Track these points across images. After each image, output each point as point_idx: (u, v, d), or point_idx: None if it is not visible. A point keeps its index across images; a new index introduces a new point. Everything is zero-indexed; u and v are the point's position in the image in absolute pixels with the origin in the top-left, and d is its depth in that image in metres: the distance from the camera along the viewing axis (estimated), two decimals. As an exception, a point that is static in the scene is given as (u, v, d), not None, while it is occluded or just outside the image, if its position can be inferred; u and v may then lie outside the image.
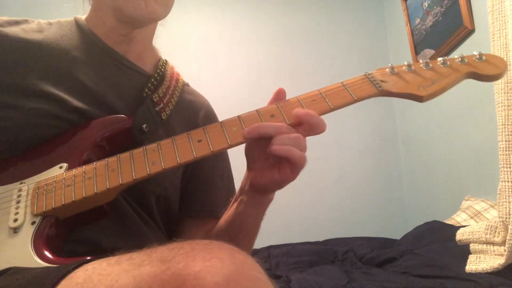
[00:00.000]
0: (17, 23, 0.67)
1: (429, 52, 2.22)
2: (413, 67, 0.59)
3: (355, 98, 0.57)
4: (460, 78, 0.58)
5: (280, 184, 0.57)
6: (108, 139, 0.62)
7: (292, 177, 0.56)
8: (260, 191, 0.61)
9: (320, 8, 2.87)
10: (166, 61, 0.79)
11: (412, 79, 0.58)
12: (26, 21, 0.68)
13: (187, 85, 0.82)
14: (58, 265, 0.44)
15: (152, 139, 0.64)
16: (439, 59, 0.60)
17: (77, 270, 0.37)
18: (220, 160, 0.80)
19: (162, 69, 0.75)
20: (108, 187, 0.53)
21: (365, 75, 0.60)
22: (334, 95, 0.58)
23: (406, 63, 0.60)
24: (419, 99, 0.57)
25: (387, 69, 0.60)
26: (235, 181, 0.83)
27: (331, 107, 0.56)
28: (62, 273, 0.37)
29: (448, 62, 0.59)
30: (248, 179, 0.61)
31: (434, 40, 2.16)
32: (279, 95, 0.60)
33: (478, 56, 0.59)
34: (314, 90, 0.59)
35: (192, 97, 0.80)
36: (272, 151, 0.52)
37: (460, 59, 0.59)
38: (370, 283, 1.25)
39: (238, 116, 0.57)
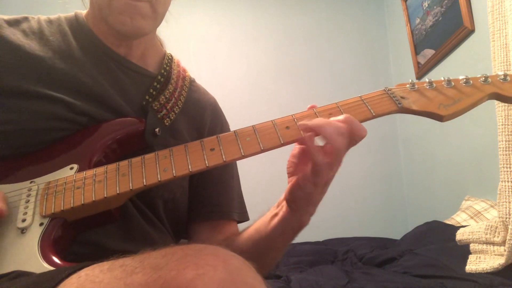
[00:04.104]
0: (17, 22, 0.66)
1: (429, 52, 2.22)
2: (434, 84, 0.57)
3: (374, 114, 0.55)
4: (483, 99, 0.56)
5: (309, 190, 0.53)
6: (120, 142, 0.61)
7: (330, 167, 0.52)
8: (292, 205, 0.57)
9: (320, 8, 2.87)
10: (171, 56, 0.77)
11: (434, 97, 0.56)
12: (26, 19, 0.67)
13: (194, 81, 0.80)
14: (53, 271, 0.44)
15: (162, 143, 0.64)
16: (461, 77, 0.58)
17: (70, 277, 0.37)
18: None
19: (167, 68, 0.73)
20: (118, 192, 0.53)
21: (384, 90, 0.58)
22: (352, 109, 0.56)
23: (427, 79, 0.58)
24: (440, 118, 0.55)
25: (408, 85, 0.58)
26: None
27: None
28: (56, 281, 0.37)
29: (471, 81, 0.57)
30: (286, 190, 0.58)
31: (434, 40, 2.16)
32: None
33: (502, 76, 0.56)
34: (331, 104, 0.57)
35: (198, 95, 0.78)
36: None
37: (483, 78, 0.57)
38: (370, 283, 1.25)
39: (253, 126, 0.56)
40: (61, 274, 0.38)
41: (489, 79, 0.57)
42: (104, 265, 0.37)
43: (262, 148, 0.54)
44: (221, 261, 0.33)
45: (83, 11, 0.72)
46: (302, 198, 0.55)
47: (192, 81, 0.79)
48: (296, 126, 0.55)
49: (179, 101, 0.71)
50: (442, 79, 0.58)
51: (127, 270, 0.34)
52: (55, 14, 0.71)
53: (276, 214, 0.60)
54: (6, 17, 0.66)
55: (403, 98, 0.56)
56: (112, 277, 0.34)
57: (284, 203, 0.59)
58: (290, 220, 0.58)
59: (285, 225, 0.59)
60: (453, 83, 0.57)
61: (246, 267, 0.35)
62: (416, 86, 0.58)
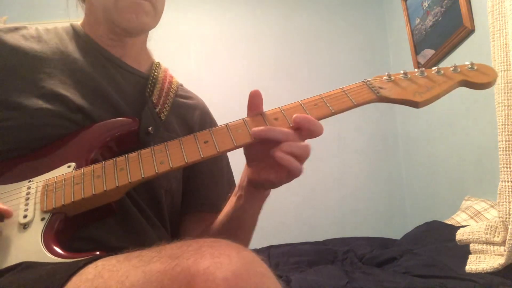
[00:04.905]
0: (16, 29, 0.69)
1: (429, 52, 2.22)
2: (409, 75, 0.62)
3: (355, 103, 0.60)
4: (453, 86, 0.61)
5: (275, 184, 0.58)
6: (115, 141, 0.64)
7: (286, 181, 0.57)
8: (257, 187, 0.62)
9: (320, 8, 2.87)
10: (159, 63, 0.82)
11: (408, 86, 0.61)
12: (25, 28, 0.71)
13: (181, 85, 0.84)
14: (69, 261, 0.46)
15: (156, 140, 0.66)
16: (434, 68, 0.63)
17: (87, 266, 0.38)
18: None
19: (156, 72, 0.78)
20: (117, 184, 0.55)
21: (363, 81, 0.62)
22: (335, 100, 0.60)
23: (402, 71, 0.62)
24: (415, 105, 0.59)
25: (384, 77, 0.63)
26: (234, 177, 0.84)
27: (332, 111, 0.59)
28: (73, 270, 0.38)
29: (442, 71, 0.62)
30: (246, 175, 0.62)
31: (434, 40, 2.16)
32: (256, 99, 0.60)
33: (470, 65, 0.62)
34: (315, 96, 0.61)
35: (187, 96, 0.83)
36: (275, 156, 0.53)
37: (453, 68, 0.62)
38: (370, 283, 1.25)
39: (243, 119, 0.59)
40: (77, 264, 0.39)
41: (458, 69, 0.62)
42: (120, 256, 0.38)
43: (253, 138, 0.57)
44: (235, 252, 0.36)
45: (77, 22, 0.76)
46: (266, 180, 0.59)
47: (179, 85, 0.83)
48: (284, 118, 0.58)
49: (168, 100, 0.76)
50: (416, 70, 0.63)
51: (144, 259, 0.36)
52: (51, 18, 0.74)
53: (240, 195, 0.65)
54: (6, 25, 0.70)
55: (381, 88, 0.61)
56: (129, 266, 0.36)
57: (246, 182, 0.63)
58: (254, 196, 0.63)
59: (250, 201, 0.64)
60: (425, 73, 0.62)
61: (258, 258, 0.37)
62: (392, 77, 0.62)
